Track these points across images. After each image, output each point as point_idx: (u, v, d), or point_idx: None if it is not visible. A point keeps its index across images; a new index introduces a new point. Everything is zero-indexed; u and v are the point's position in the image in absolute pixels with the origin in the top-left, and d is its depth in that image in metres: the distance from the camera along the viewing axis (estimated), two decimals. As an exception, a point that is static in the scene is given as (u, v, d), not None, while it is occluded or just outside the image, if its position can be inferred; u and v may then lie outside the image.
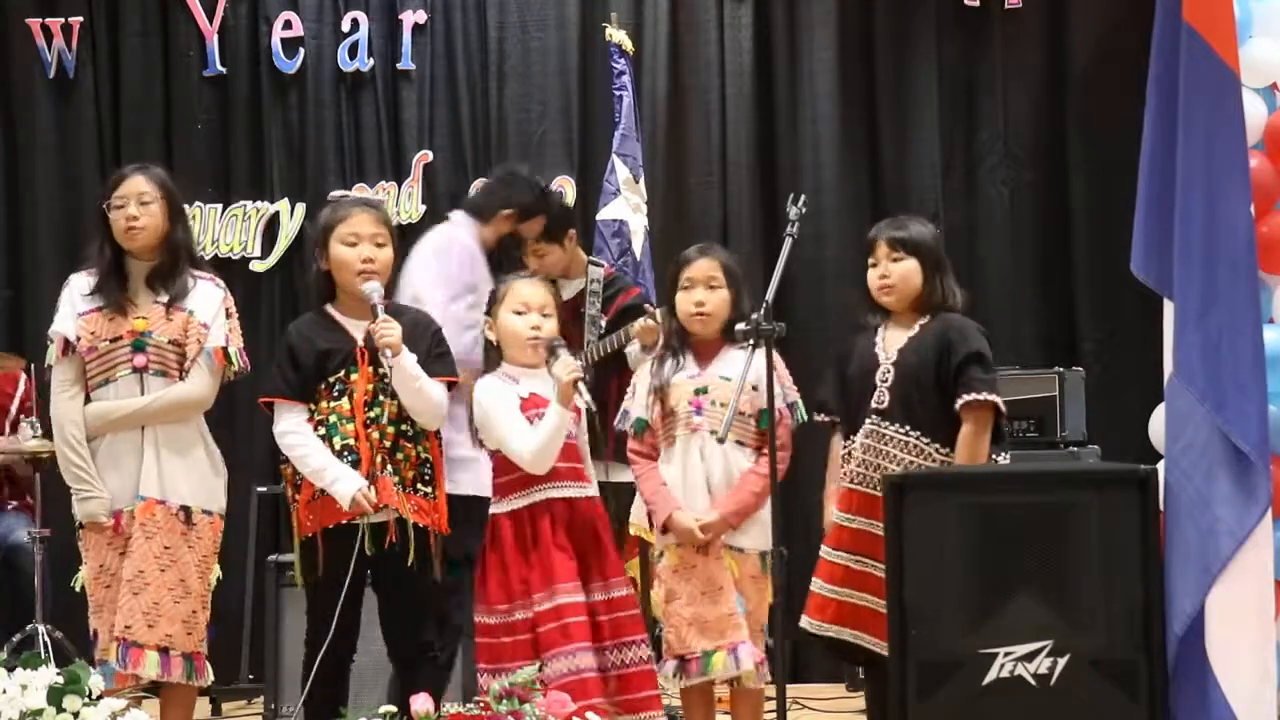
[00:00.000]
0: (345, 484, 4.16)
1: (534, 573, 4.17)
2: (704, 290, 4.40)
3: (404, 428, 4.24)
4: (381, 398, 4.22)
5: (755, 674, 4.29)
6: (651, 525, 4.45)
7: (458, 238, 5.26)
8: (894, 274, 4.33)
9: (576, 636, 4.11)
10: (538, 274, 5.10)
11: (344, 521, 4.19)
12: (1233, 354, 3.90)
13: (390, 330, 4.16)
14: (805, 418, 4.42)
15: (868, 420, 4.27)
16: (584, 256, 5.57)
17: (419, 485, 4.25)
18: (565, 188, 6.64)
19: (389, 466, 4.20)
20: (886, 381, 4.28)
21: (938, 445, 4.25)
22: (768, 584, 4.33)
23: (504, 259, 5.51)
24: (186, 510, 4.29)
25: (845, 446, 4.35)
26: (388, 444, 4.22)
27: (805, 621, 4.32)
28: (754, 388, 4.26)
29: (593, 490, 4.33)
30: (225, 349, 4.36)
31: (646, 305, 5.16)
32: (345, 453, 4.21)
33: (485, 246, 5.28)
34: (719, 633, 4.25)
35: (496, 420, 4.22)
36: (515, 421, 4.21)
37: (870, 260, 4.38)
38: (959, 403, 4.24)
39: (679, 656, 4.30)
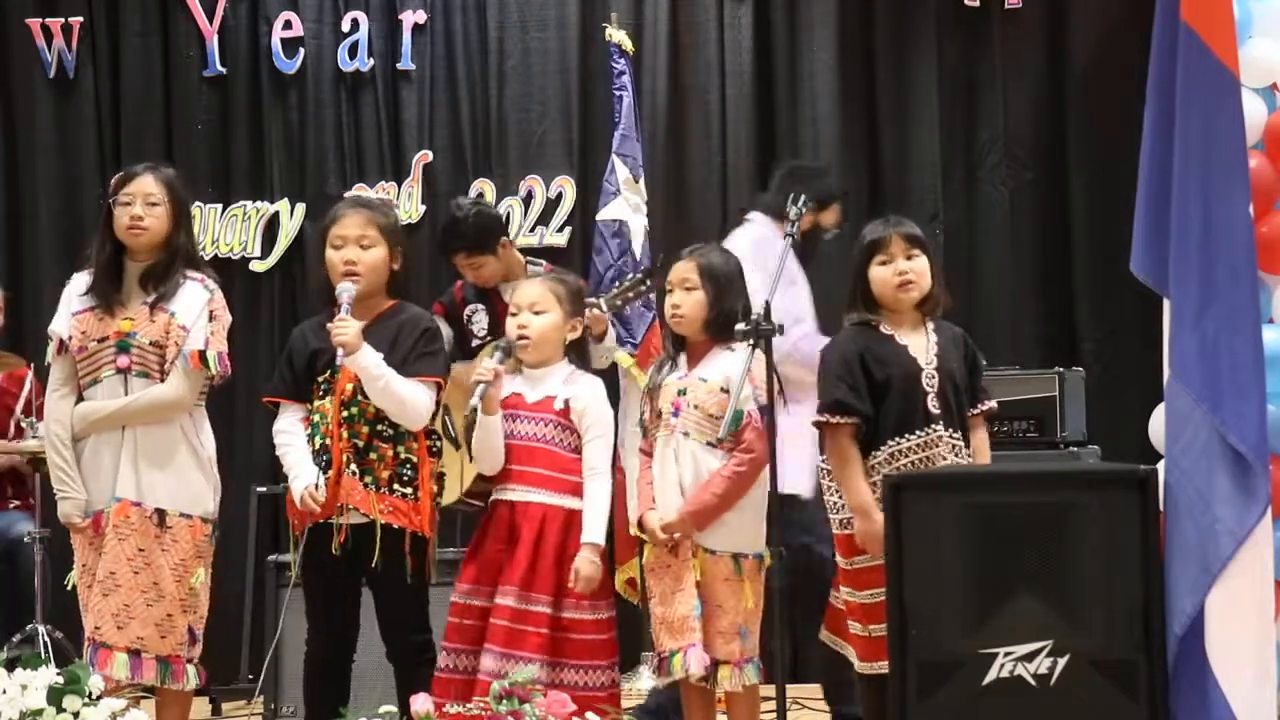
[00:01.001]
0: (298, 482, 4.21)
1: (464, 567, 4.37)
2: (680, 292, 4.42)
3: (380, 428, 4.24)
4: (360, 397, 4.23)
5: (731, 677, 4.26)
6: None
7: (767, 240, 5.10)
8: (914, 271, 4.32)
9: (457, 637, 4.25)
10: (480, 283, 5.30)
11: (322, 520, 4.21)
12: (1230, 354, 3.89)
13: (342, 329, 4.16)
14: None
15: (930, 425, 4.23)
16: (521, 259, 5.56)
17: (395, 486, 4.24)
18: (565, 187, 6.67)
19: (353, 466, 4.20)
20: (934, 387, 4.26)
21: (968, 449, 4.31)
22: (748, 587, 4.31)
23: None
24: (161, 513, 4.27)
25: (887, 448, 4.24)
26: (360, 444, 4.22)
27: None
28: (723, 389, 4.27)
29: (544, 497, 4.31)
30: (202, 352, 4.33)
31: (588, 299, 5.05)
32: (323, 451, 4.23)
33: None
34: (680, 633, 4.26)
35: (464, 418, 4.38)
36: None
37: (880, 258, 4.33)
38: (983, 408, 4.35)
39: (659, 654, 4.34)
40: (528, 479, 4.32)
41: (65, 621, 5.54)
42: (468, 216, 5.47)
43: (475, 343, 5.42)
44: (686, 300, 4.41)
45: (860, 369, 4.26)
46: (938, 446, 4.23)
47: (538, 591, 4.22)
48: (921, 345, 4.31)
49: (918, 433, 4.23)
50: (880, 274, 4.33)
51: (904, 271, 4.31)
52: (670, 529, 4.30)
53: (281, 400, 4.34)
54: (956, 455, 4.26)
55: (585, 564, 4.25)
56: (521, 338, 4.37)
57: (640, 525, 4.40)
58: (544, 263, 5.66)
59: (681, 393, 4.38)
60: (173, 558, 4.27)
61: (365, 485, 4.20)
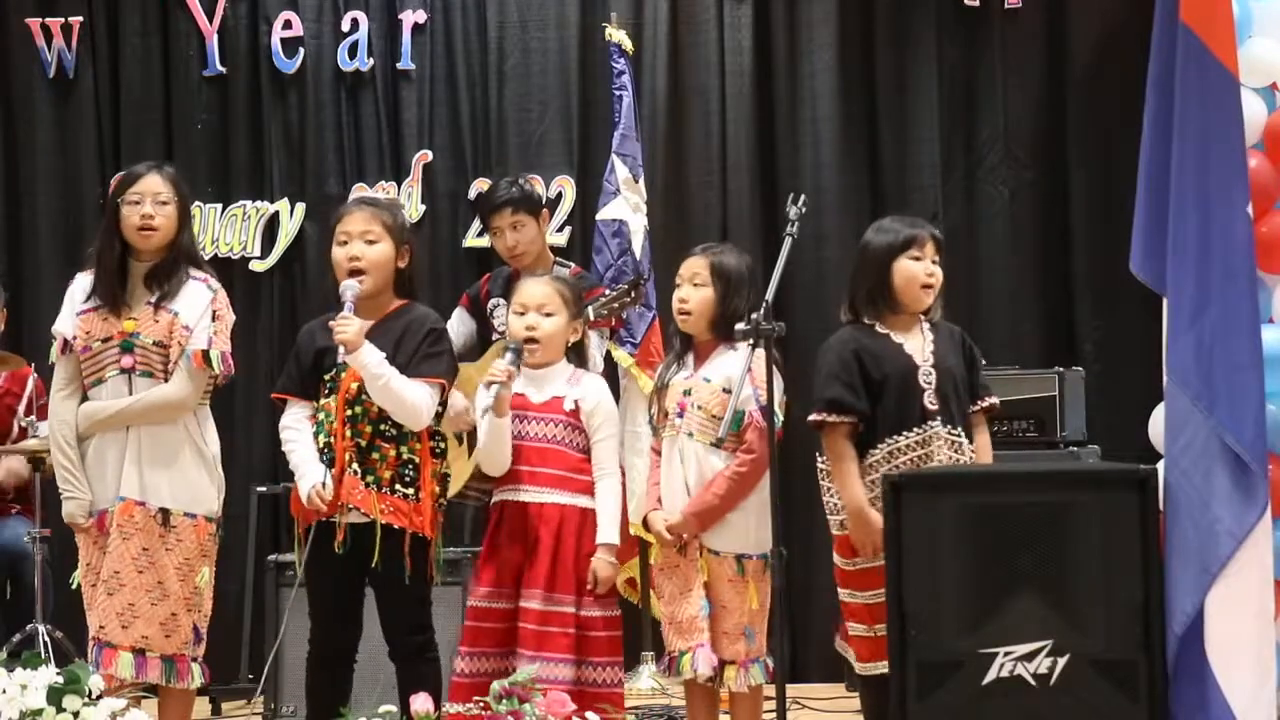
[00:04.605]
0: (305, 480, 4.21)
1: (482, 570, 4.38)
2: (689, 287, 4.42)
3: (383, 428, 4.23)
4: (365, 396, 4.23)
5: (737, 677, 4.28)
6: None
7: None
8: (937, 276, 4.34)
9: (478, 641, 4.28)
10: (517, 250, 5.26)
11: (325, 519, 4.21)
12: (1226, 355, 3.90)
13: (344, 327, 4.16)
14: (782, 420, 4.38)
15: (927, 422, 4.23)
16: (550, 255, 5.56)
17: (397, 486, 4.23)
18: (565, 187, 6.68)
19: (355, 465, 4.21)
20: (931, 384, 4.26)
21: (971, 445, 4.30)
22: (752, 588, 4.31)
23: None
24: (165, 513, 4.28)
25: (884, 446, 4.24)
26: (362, 443, 4.22)
27: None
28: (724, 390, 4.27)
29: (560, 497, 4.33)
30: (206, 352, 4.33)
31: None
32: (326, 449, 4.23)
33: None
34: (689, 634, 4.29)
35: (476, 420, 4.39)
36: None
37: (914, 253, 4.30)
38: (984, 404, 4.35)
39: (669, 654, 4.37)
40: (541, 479, 4.33)
41: (65, 621, 5.54)
42: (512, 182, 5.48)
43: (495, 336, 5.39)
44: (694, 296, 4.41)
45: (857, 367, 4.25)
46: (935, 443, 4.22)
47: (561, 592, 4.26)
48: (917, 344, 4.31)
49: (915, 430, 4.24)
50: (911, 269, 4.30)
51: (931, 274, 4.32)
52: (675, 529, 4.32)
53: (288, 397, 4.34)
54: (956, 452, 4.25)
55: (603, 565, 4.31)
56: (530, 340, 4.36)
57: (645, 524, 4.42)
58: (572, 264, 5.66)
59: (686, 393, 4.39)
60: (176, 557, 4.28)
61: (367, 484, 4.20)
